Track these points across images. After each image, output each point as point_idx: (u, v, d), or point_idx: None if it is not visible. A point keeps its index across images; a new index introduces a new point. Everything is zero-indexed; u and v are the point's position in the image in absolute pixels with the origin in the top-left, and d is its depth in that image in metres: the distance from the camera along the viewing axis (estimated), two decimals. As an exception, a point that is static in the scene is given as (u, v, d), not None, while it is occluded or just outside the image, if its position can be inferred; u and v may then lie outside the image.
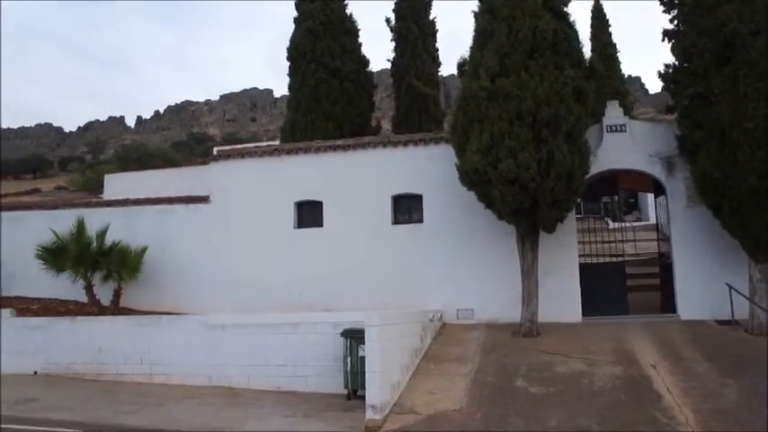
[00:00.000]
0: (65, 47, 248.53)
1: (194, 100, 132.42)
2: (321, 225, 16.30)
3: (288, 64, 21.77)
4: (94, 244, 15.97)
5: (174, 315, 15.01)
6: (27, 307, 16.23)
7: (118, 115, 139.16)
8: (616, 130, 15.13)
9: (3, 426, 9.60)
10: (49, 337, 14.94)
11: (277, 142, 24.07)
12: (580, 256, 15.37)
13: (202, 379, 13.44)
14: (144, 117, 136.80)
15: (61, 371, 14.65)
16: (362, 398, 10.93)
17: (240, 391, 12.90)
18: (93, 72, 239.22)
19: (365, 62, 22.39)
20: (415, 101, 21.70)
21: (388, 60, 23.10)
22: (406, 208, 16.16)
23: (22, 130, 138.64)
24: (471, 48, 14.40)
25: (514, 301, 14.17)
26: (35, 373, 14.77)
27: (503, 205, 13.32)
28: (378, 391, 9.80)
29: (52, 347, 14.86)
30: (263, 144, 23.18)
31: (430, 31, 23.08)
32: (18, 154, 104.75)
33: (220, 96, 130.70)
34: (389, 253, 15.77)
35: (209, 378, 13.41)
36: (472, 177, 13.46)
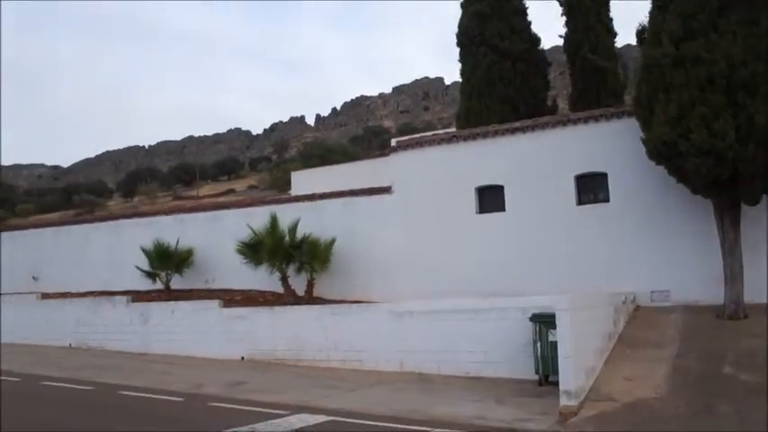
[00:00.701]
0: (249, 54, 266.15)
1: (368, 94, 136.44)
2: (503, 209, 16.12)
3: (458, 50, 21.76)
4: (287, 238, 16.91)
5: (364, 303, 15.58)
6: (232, 298, 17.57)
7: (299, 115, 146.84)
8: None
9: (225, 405, 10.47)
10: (252, 325, 16.14)
11: (453, 129, 24.13)
12: (792, 229, 13.95)
13: (393, 365, 13.82)
14: (322, 115, 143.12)
15: (264, 357, 15.74)
16: (554, 384, 10.70)
17: (430, 376, 13.12)
18: (276, 76, 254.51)
19: (536, 41, 21.81)
20: (591, 76, 20.75)
21: (560, 36, 22.26)
22: (591, 187, 15.55)
23: (217, 135, 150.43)
24: (650, 12, 13.54)
25: (716, 281, 13.18)
26: (242, 358, 15.99)
27: (697, 179, 12.44)
28: (572, 377, 9.52)
29: (255, 335, 16.03)
30: (441, 132, 23.32)
31: (602, 0, 21.96)
32: (214, 158, 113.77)
33: (393, 89, 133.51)
34: (575, 234, 15.27)
35: (400, 364, 13.75)
36: (661, 151, 12.67)
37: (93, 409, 10.78)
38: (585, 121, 15.56)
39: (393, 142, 20.16)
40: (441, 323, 13.50)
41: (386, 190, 17.35)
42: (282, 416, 9.53)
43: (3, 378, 13.83)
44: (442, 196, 16.63)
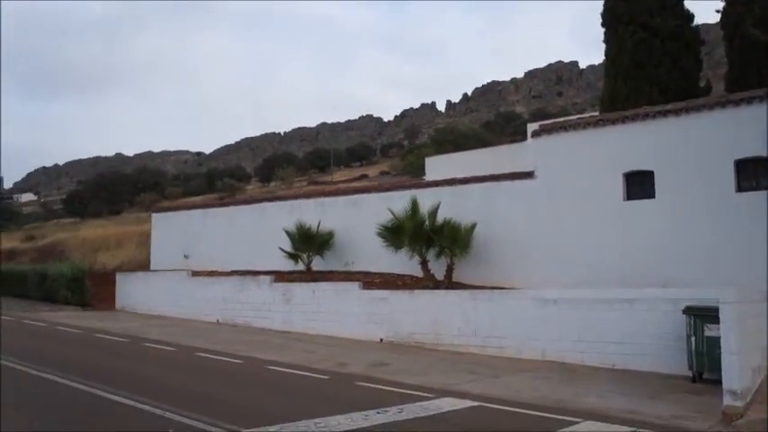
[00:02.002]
0: (381, 41, 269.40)
1: (500, 80, 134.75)
2: (653, 196, 15.23)
3: (602, 30, 20.91)
4: (427, 222, 16.87)
5: (505, 290, 15.32)
6: (371, 281, 17.82)
7: (429, 101, 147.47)
8: None
9: (370, 385, 10.64)
10: (392, 308, 16.33)
11: (590, 114, 23.26)
12: None
13: (535, 353, 13.57)
14: (453, 101, 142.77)
15: (402, 339, 15.90)
16: (710, 381, 10.15)
17: (573, 366, 12.78)
18: (407, 63, 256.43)
19: (689, 17, 20.51)
20: (753, 52, 19.24)
21: (717, 11, 20.83)
22: (753, 173, 14.34)
23: (349, 122, 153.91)
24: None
25: None
26: (381, 340, 16.23)
27: None
28: (737, 376, 8.84)
29: (394, 318, 16.22)
30: (586, 115, 22.35)
31: (770, -31, 20.27)
32: (346, 144, 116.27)
33: (525, 73, 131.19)
34: (734, 224, 14.19)
35: (542, 352, 13.47)
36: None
37: (245, 381, 11.27)
38: (749, 101, 14.37)
39: (534, 126, 19.60)
40: (586, 312, 13.11)
41: (528, 175, 16.82)
42: (428, 398, 9.54)
43: (162, 347, 14.81)
44: (587, 182, 15.92)
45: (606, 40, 20.84)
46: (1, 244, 40.98)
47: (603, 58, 21.72)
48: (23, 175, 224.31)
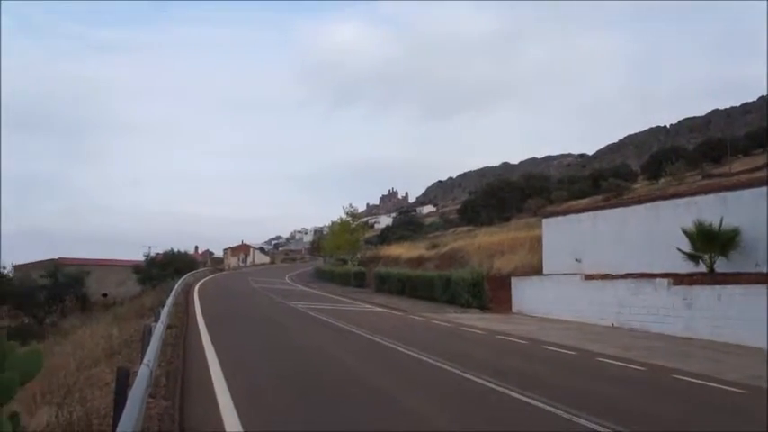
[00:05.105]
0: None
1: None
2: None
3: None
4: None
5: None
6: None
7: None
8: None
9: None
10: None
11: None
12: None
13: None
14: None
15: None
16: None
17: None
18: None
19: None
20: None
21: None
22: None
23: (745, 105, 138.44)
24: None
25: None
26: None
27: None
28: None
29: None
30: None
31: None
32: (743, 130, 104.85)
33: None
34: None
35: None
36: None
37: (650, 389, 10.80)
38: None
39: None
40: None
41: None
42: None
43: (561, 351, 15.02)
44: None
45: None
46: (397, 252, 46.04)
47: None
48: (423, 189, 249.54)
